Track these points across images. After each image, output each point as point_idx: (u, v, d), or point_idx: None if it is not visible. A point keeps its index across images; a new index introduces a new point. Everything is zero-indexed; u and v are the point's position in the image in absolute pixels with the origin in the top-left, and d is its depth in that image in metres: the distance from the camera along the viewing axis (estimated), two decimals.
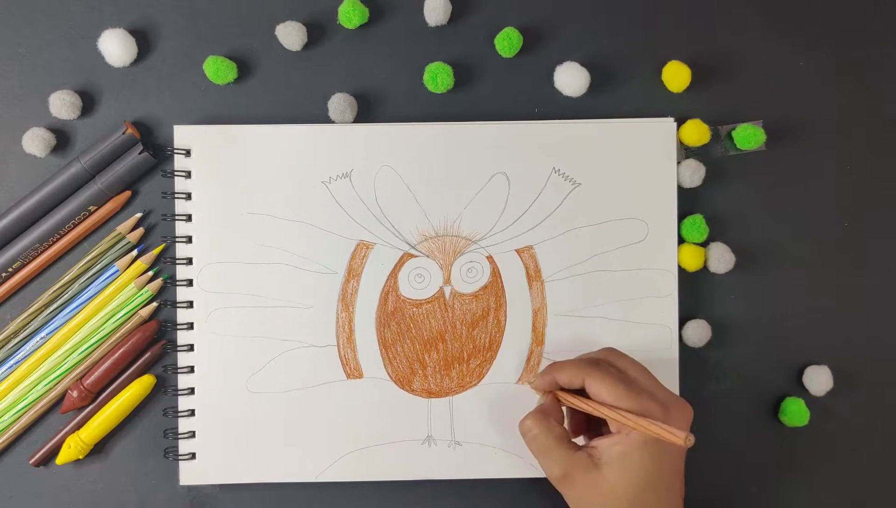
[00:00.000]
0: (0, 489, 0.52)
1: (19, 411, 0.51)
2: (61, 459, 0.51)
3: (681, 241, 0.53)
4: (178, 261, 0.51)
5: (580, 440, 0.48)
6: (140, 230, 0.52)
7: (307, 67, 0.53)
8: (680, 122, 0.52)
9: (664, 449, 0.43)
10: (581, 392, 0.46)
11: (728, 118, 0.54)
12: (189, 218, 0.51)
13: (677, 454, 0.45)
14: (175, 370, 0.51)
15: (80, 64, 0.52)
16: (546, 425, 0.45)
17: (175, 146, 0.51)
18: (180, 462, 0.51)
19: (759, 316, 0.54)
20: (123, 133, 0.51)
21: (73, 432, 0.51)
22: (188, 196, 0.51)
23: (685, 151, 0.53)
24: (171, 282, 0.52)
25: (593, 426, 0.48)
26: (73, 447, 0.51)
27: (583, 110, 0.53)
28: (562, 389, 0.48)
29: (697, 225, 0.52)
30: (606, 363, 0.46)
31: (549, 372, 0.47)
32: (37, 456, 0.51)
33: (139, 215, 0.52)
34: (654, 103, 0.53)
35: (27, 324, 0.52)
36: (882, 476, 0.54)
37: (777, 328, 0.54)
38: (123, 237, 0.52)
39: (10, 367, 0.51)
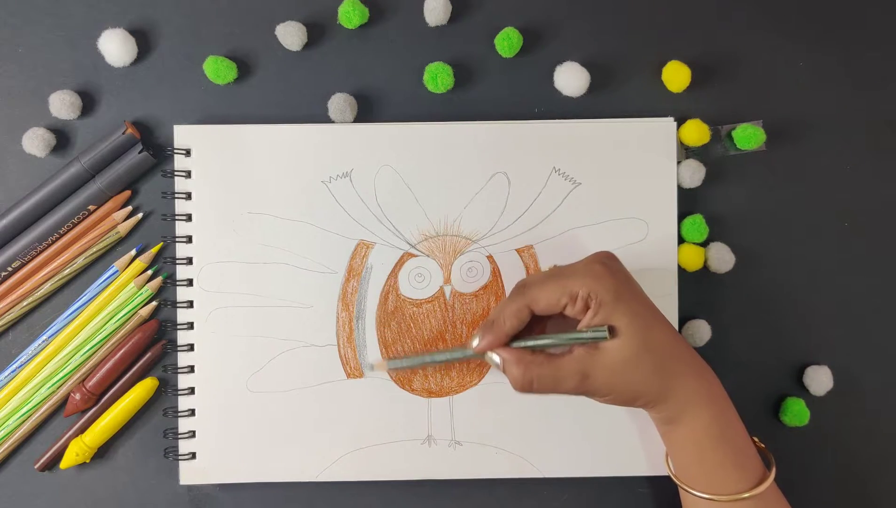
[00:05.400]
0: (0, 489, 0.52)
1: (23, 415, 0.51)
2: (65, 464, 0.51)
3: (681, 241, 0.53)
4: (178, 261, 0.51)
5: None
6: (134, 219, 0.52)
7: (307, 66, 0.53)
8: (680, 122, 0.52)
9: (623, 289, 0.44)
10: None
11: (728, 118, 0.54)
12: (189, 218, 0.51)
13: (629, 285, 0.45)
14: (175, 370, 0.51)
15: (80, 64, 0.52)
16: (537, 362, 0.45)
17: (175, 146, 0.51)
18: (180, 461, 0.51)
19: (759, 316, 0.54)
20: (123, 133, 0.51)
21: (77, 436, 0.51)
22: (188, 196, 0.51)
23: (685, 151, 0.53)
24: (171, 282, 0.52)
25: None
26: (79, 453, 0.50)
27: (583, 110, 0.53)
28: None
29: (697, 225, 0.52)
30: (526, 280, 0.46)
31: (496, 331, 0.45)
32: (42, 461, 0.51)
33: (130, 208, 0.52)
34: (654, 103, 0.53)
35: (23, 317, 0.52)
36: (882, 476, 0.54)
37: (777, 327, 0.54)
38: (123, 237, 0.52)
39: (13, 371, 0.51)
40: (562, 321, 0.46)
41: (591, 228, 0.52)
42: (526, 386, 0.45)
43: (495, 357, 0.46)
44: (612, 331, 0.44)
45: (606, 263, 0.45)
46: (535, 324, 0.46)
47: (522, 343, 0.46)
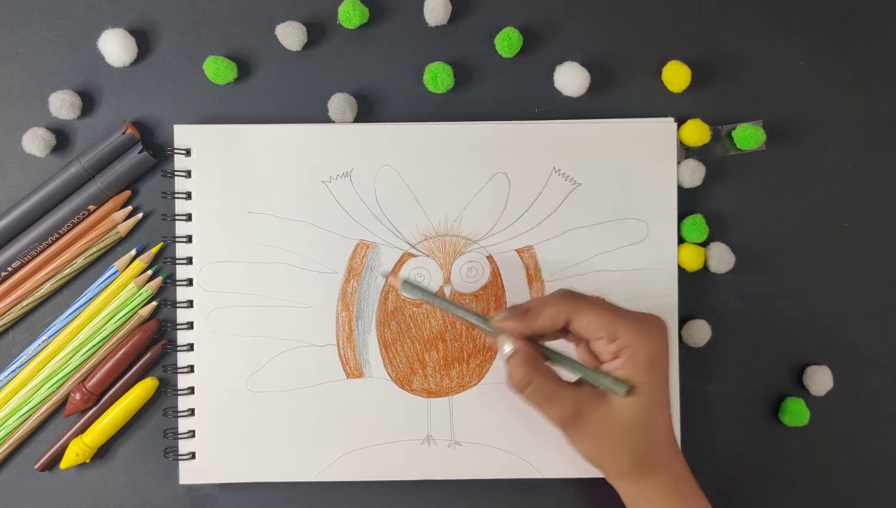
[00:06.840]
0: (0, 489, 0.52)
1: (23, 415, 0.51)
2: (65, 464, 0.51)
3: (681, 241, 0.53)
4: (178, 260, 0.51)
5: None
6: (134, 219, 0.52)
7: (307, 66, 0.53)
8: (680, 122, 0.52)
9: (659, 362, 0.43)
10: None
11: (728, 118, 0.54)
12: (189, 218, 0.51)
13: (665, 361, 0.44)
14: (175, 369, 0.51)
15: (80, 64, 0.52)
16: (543, 371, 0.42)
17: (175, 146, 0.51)
18: (180, 461, 0.51)
19: (759, 316, 0.54)
20: (123, 133, 0.51)
21: (77, 436, 0.51)
22: (188, 196, 0.51)
23: (685, 151, 0.53)
24: (171, 281, 0.52)
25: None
26: (79, 453, 0.50)
27: (583, 110, 0.53)
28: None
29: (697, 225, 0.52)
30: (577, 293, 0.44)
31: (527, 321, 0.43)
32: (42, 461, 0.51)
33: (130, 208, 0.52)
34: (654, 103, 0.53)
35: (23, 317, 0.52)
36: (882, 476, 0.54)
37: (777, 328, 0.54)
38: (123, 237, 0.52)
39: (13, 371, 0.51)
40: (577, 352, 0.46)
41: (591, 228, 0.52)
42: (521, 387, 0.43)
43: (507, 345, 0.43)
44: (629, 392, 0.42)
45: (659, 330, 0.44)
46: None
47: (542, 347, 0.44)
